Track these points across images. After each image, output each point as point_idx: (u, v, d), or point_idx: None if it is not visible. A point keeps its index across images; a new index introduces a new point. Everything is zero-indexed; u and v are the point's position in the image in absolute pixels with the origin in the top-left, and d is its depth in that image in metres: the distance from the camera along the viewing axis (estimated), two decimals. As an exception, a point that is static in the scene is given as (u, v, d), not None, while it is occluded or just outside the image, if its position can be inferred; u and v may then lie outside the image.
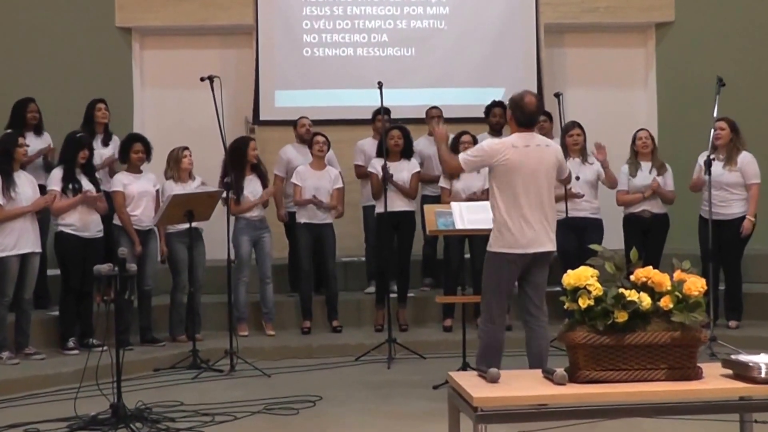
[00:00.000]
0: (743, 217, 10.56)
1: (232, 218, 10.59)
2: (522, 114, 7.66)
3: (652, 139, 11.14)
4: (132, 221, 10.38)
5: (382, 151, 10.86)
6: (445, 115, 12.05)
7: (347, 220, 11.93)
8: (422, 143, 12.06)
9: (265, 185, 11.05)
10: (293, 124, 12.06)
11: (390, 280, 10.89)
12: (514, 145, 7.61)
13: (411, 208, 11.23)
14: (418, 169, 11.36)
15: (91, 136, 10.86)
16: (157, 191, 10.63)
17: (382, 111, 10.61)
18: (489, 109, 11.92)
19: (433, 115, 11.96)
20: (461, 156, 7.84)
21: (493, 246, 7.64)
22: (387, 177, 10.54)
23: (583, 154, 11.12)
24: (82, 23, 13.26)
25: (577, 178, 10.78)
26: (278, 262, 11.80)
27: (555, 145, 8.04)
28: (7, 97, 11.31)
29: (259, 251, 11.08)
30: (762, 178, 10.73)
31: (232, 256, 10.23)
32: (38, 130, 11.04)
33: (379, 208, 10.97)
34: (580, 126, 11.14)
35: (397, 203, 10.91)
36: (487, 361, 7.43)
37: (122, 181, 10.47)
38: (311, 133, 11.55)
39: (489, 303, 7.72)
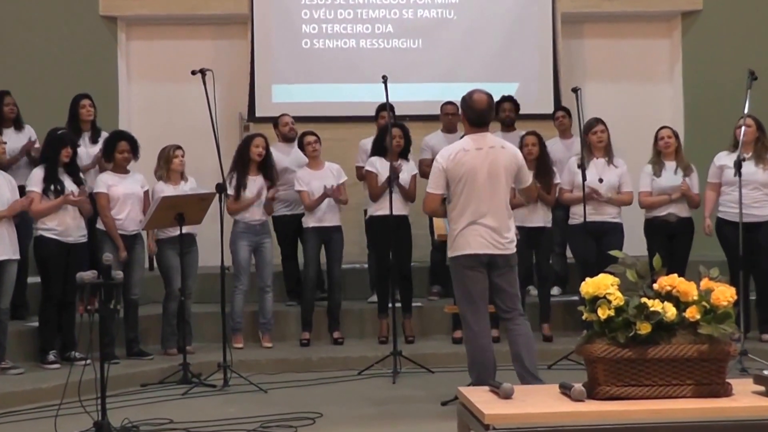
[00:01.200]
0: (776, 220, 10.56)
1: (228, 222, 10.54)
2: (472, 112, 8.02)
3: (676, 137, 11.08)
4: (117, 225, 10.38)
5: (378, 150, 10.90)
6: (454, 111, 12.11)
7: (348, 225, 11.93)
8: (435, 140, 12.06)
9: (270, 186, 11.01)
10: (274, 122, 12.06)
11: (394, 287, 10.87)
12: (464, 148, 7.98)
13: (405, 213, 11.22)
14: (416, 171, 11.36)
15: (77, 134, 10.88)
16: (146, 193, 10.60)
17: (388, 107, 10.59)
18: (498, 104, 11.94)
19: (449, 111, 12.00)
20: (428, 189, 8.15)
21: (449, 251, 8.10)
22: (393, 177, 10.52)
23: (608, 154, 11.07)
24: (64, 12, 13.29)
25: (600, 181, 10.78)
26: (279, 269, 11.77)
27: (512, 148, 8.24)
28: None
29: (259, 258, 11.06)
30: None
31: (227, 262, 10.20)
32: (18, 125, 11.04)
33: (376, 211, 11.03)
34: (603, 123, 11.09)
35: (396, 206, 10.84)
36: (476, 370, 7.89)
37: (106, 182, 10.44)
38: (295, 132, 11.60)
39: (462, 310, 8.12)
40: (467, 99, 8.05)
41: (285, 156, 11.66)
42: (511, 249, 8.00)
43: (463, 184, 7.87)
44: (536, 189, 8.90)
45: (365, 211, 11.73)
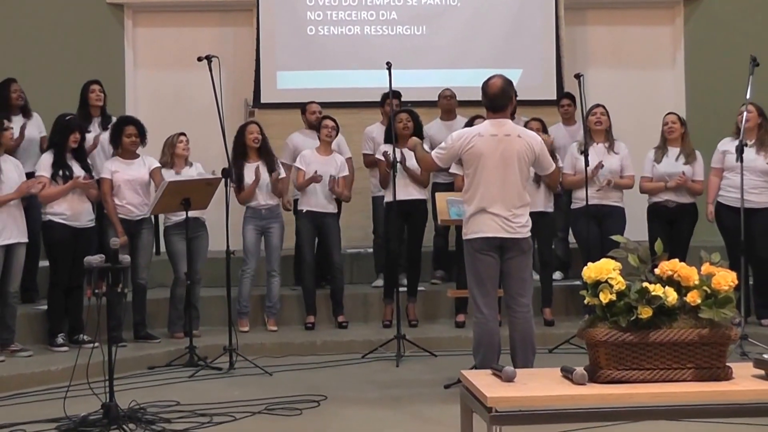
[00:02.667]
0: (774, 206, 10.57)
1: (234, 207, 10.55)
2: (485, 97, 8.06)
3: (682, 123, 11.06)
4: (119, 211, 10.38)
5: (391, 137, 10.87)
6: (459, 97, 12.17)
7: (354, 210, 11.96)
8: (434, 128, 12.08)
9: (272, 170, 11.00)
10: (301, 108, 12.05)
11: (399, 272, 10.87)
12: (480, 133, 8.00)
13: (423, 197, 11.20)
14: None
15: (87, 120, 10.92)
16: (156, 169, 10.56)
17: (391, 94, 10.56)
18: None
19: (445, 95, 12.04)
20: (434, 153, 8.22)
21: (463, 233, 8.12)
22: (394, 162, 10.50)
23: (609, 139, 11.08)
24: (71, 0, 13.25)
25: (601, 166, 10.79)
26: (287, 253, 11.75)
27: (531, 136, 8.19)
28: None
29: (266, 242, 11.07)
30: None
31: (233, 247, 10.20)
32: (26, 112, 11.04)
33: (388, 197, 10.98)
34: (603, 107, 11.11)
35: (409, 191, 10.87)
36: (482, 353, 7.91)
37: (110, 168, 10.46)
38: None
39: (473, 293, 8.11)
40: (483, 84, 8.06)
41: (309, 142, 11.64)
42: (523, 233, 7.97)
43: (474, 168, 7.91)
44: (558, 173, 8.87)
45: (374, 198, 11.76)
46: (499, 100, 8.01)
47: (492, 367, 4.96)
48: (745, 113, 10.17)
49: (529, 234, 8.07)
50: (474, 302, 8.08)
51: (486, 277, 7.99)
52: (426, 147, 11.50)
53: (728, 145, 10.56)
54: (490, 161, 7.86)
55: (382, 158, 10.97)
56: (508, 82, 8.06)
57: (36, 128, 11.08)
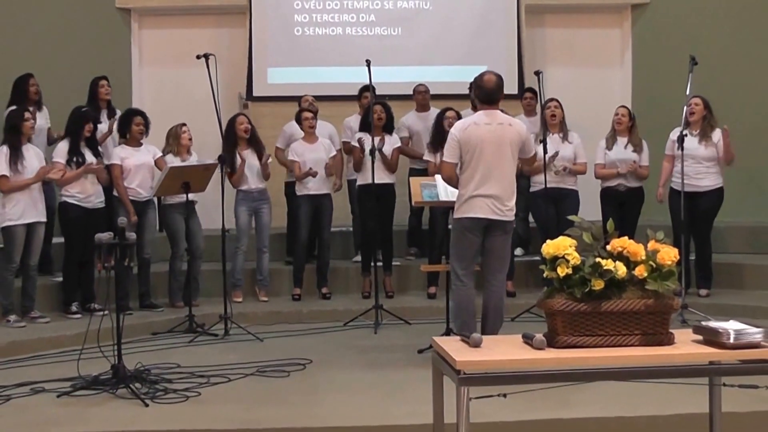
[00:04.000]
0: (715, 190, 10.58)
1: (229, 190, 10.53)
2: (481, 91, 8.08)
3: (631, 116, 11.07)
4: (129, 193, 10.38)
5: (365, 126, 10.89)
6: (431, 91, 12.13)
7: (336, 193, 11.95)
8: (411, 119, 12.09)
9: (260, 157, 10.98)
10: (298, 101, 12.01)
11: (376, 249, 10.87)
12: (476, 122, 8.02)
13: (391, 181, 11.21)
14: (399, 144, 11.37)
15: (97, 112, 10.91)
16: (159, 159, 10.58)
17: (371, 88, 10.55)
18: (471, 86, 11.92)
19: (420, 90, 12.03)
20: (444, 158, 8.14)
21: (455, 213, 8.08)
22: (372, 148, 10.49)
23: (563, 130, 11.13)
24: (84, 4, 13.18)
25: (557, 154, 10.83)
26: (276, 231, 11.74)
27: (519, 124, 8.22)
28: (9, 74, 11.20)
29: (257, 222, 11.07)
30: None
31: (228, 225, 10.20)
32: (39, 105, 11.02)
33: (360, 181, 11.03)
34: (557, 101, 11.16)
35: (380, 175, 10.85)
36: (462, 317, 7.99)
37: (119, 155, 10.47)
38: (315, 108, 11.56)
39: (453, 265, 8.17)
40: (478, 79, 8.10)
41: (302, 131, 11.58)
42: (509, 217, 8.04)
43: (471, 154, 7.89)
44: (534, 158, 8.87)
45: (350, 181, 11.72)
46: (495, 94, 8.03)
47: (461, 334, 4.95)
48: (689, 106, 10.21)
49: (514, 217, 8.12)
50: (454, 272, 8.13)
51: (469, 252, 8.06)
52: (403, 135, 11.61)
53: (676, 134, 10.57)
54: (487, 147, 7.87)
55: (357, 145, 10.96)
56: (501, 78, 8.09)
57: (44, 119, 11.09)
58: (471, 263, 8.14)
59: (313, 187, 11.12)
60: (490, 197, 7.89)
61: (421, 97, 12.14)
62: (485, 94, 8.05)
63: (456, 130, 8.08)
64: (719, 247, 11.40)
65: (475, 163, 7.89)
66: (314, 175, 11.00)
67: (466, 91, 11.88)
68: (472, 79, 11.72)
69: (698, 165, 10.47)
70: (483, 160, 7.88)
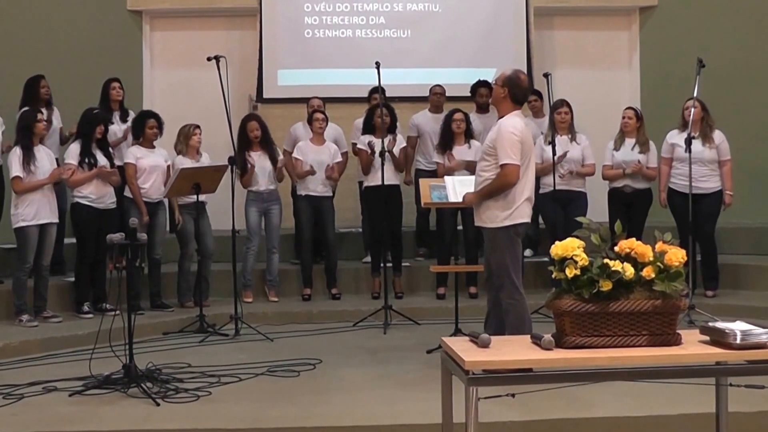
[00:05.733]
0: (718, 191, 10.60)
1: (239, 191, 10.54)
2: (519, 90, 7.53)
3: (638, 117, 11.04)
4: (141, 193, 10.42)
5: (367, 128, 10.93)
6: (443, 93, 12.14)
7: (345, 194, 11.96)
8: (421, 119, 12.07)
9: (273, 160, 11.00)
10: (308, 102, 12.03)
11: (386, 249, 10.87)
12: (524, 125, 7.59)
13: (397, 182, 11.25)
14: (404, 144, 11.38)
15: (109, 113, 10.93)
16: (168, 166, 10.65)
17: (380, 89, 10.55)
18: (475, 88, 11.96)
19: (437, 92, 11.99)
20: (513, 162, 7.37)
21: (504, 220, 7.51)
22: (382, 150, 10.48)
23: (571, 132, 11.12)
24: (96, 7, 13.22)
25: (565, 154, 10.82)
26: (285, 232, 11.74)
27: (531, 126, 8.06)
28: (23, 76, 11.20)
29: (267, 222, 11.09)
30: (733, 155, 10.79)
31: (239, 226, 10.22)
32: (49, 106, 11.03)
33: (368, 182, 11.05)
34: (568, 104, 11.13)
35: (388, 176, 10.79)
36: (527, 328, 7.36)
37: (135, 154, 10.52)
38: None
39: (511, 276, 7.59)
40: (515, 78, 7.49)
41: (309, 134, 11.55)
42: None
43: (526, 156, 7.49)
44: None
45: (360, 183, 11.72)
46: (529, 93, 7.80)
47: (470, 334, 4.95)
48: (692, 108, 10.19)
49: None
50: (512, 284, 7.57)
51: (520, 259, 7.72)
52: (407, 136, 11.58)
53: (676, 137, 10.59)
54: (531, 151, 7.58)
55: (363, 147, 10.96)
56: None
57: (57, 120, 11.11)
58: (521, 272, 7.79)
59: (312, 188, 11.15)
60: (531, 201, 7.60)
61: (436, 99, 12.08)
62: (523, 93, 7.64)
63: (516, 130, 7.40)
64: (725, 249, 11.43)
65: (526, 166, 7.49)
66: (313, 173, 11.01)
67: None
68: (475, 82, 11.94)
69: (702, 167, 10.47)
70: (532, 163, 7.58)
